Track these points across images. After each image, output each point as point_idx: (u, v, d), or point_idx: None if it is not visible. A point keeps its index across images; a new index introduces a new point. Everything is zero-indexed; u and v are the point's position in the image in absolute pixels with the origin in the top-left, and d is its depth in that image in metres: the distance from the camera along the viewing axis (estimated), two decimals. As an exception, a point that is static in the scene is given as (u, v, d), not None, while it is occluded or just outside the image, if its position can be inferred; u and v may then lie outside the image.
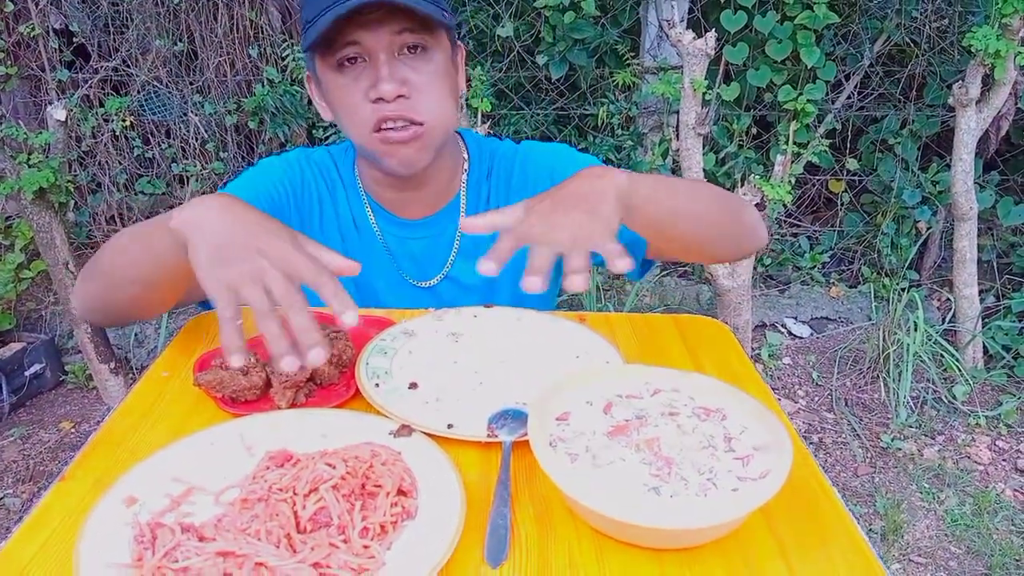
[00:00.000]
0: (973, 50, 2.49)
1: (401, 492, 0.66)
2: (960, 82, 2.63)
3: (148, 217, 3.41)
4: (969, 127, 2.66)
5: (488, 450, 0.76)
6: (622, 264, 0.69)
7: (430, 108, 0.98)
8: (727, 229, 1.00)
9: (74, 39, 3.21)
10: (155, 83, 3.25)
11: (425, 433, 0.75)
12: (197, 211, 0.71)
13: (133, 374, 2.80)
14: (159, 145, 3.33)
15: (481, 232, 0.78)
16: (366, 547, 0.60)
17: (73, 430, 2.64)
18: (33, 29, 3.03)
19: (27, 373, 2.76)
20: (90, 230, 3.33)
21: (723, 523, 0.60)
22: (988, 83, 2.62)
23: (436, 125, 1.00)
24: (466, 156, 1.16)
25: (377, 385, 0.84)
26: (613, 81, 3.12)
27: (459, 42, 1.07)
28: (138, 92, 3.26)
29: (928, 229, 3.33)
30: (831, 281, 3.41)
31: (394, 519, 0.64)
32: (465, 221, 0.78)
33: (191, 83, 3.26)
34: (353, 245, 1.15)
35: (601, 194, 0.77)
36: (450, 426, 0.77)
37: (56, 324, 3.05)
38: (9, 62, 3.06)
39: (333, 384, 0.86)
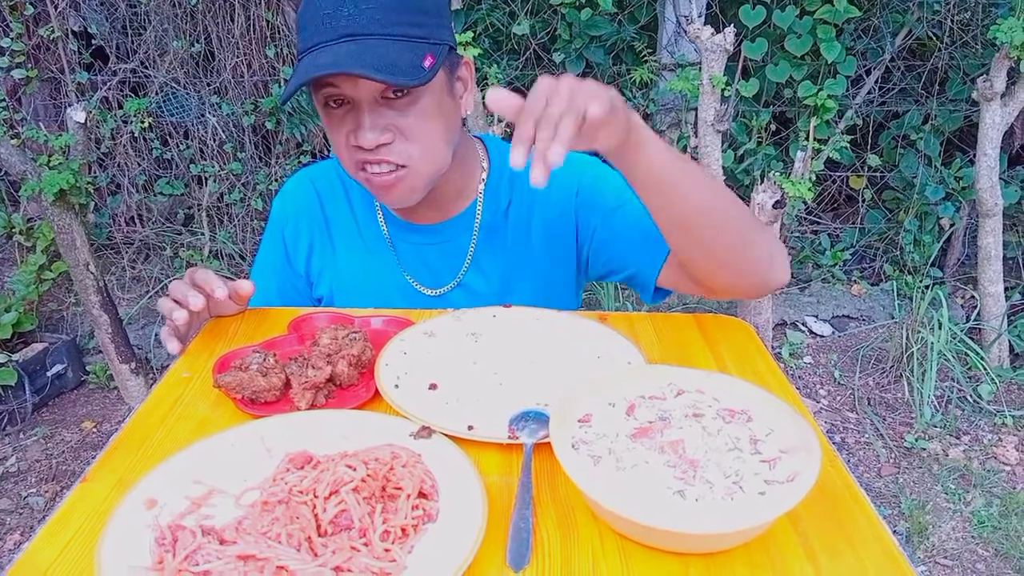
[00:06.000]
0: (998, 43, 2.45)
1: (422, 495, 0.66)
2: (984, 76, 2.58)
3: (167, 218, 3.44)
4: (994, 121, 2.61)
5: (509, 452, 0.75)
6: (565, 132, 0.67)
7: (412, 152, 0.96)
8: (752, 238, 0.92)
9: (93, 41, 3.23)
10: (173, 84, 3.27)
11: (445, 435, 0.74)
12: None
13: (153, 374, 2.82)
14: (177, 146, 3.35)
15: (506, 109, 0.71)
16: (387, 551, 0.60)
17: (95, 430, 2.66)
18: (52, 32, 3.06)
19: (49, 373, 2.79)
20: (110, 231, 3.36)
21: (750, 527, 0.59)
22: (1013, 76, 2.57)
23: (421, 166, 0.98)
24: (485, 163, 1.14)
25: (396, 386, 0.83)
26: (630, 78, 3.10)
27: (464, 55, 1.03)
28: (156, 93, 3.28)
29: (951, 225, 3.28)
30: (853, 279, 3.37)
31: (415, 522, 0.63)
32: (491, 94, 0.71)
33: (208, 84, 3.28)
34: (359, 252, 1.14)
35: (615, 96, 0.73)
36: (470, 427, 0.76)
37: (77, 325, 3.07)
38: (29, 65, 3.09)
39: (352, 385, 0.86)
